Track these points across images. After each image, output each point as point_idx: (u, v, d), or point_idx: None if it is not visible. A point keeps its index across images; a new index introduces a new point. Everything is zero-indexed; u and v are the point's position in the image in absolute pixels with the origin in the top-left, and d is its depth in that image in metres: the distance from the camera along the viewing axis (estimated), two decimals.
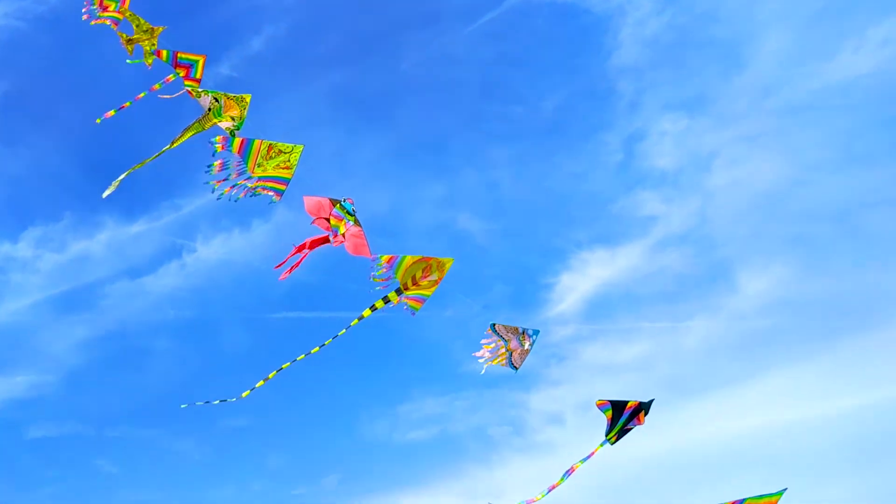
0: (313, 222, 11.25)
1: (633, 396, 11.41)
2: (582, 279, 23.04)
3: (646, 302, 23.21)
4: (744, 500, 10.57)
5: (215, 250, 24.46)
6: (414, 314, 11.36)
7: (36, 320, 24.44)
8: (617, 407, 11.39)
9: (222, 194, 10.86)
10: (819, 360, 20.81)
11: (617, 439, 11.44)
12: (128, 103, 10.36)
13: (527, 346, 11.74)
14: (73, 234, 24.40)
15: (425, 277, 11.32)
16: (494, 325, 11.82)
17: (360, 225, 11.07)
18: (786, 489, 10.57)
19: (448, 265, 11.35)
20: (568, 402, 22.59)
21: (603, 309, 23.34)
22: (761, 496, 10.58)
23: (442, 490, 22.89)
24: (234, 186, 10.89)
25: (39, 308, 24.45)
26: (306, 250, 11.35)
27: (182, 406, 11.92)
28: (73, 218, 24.48)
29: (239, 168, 10.84)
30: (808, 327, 21.31)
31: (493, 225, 24.45)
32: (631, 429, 11.43)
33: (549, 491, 11.33)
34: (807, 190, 22.71)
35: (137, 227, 24.41)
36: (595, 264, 23.21)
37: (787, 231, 22.82)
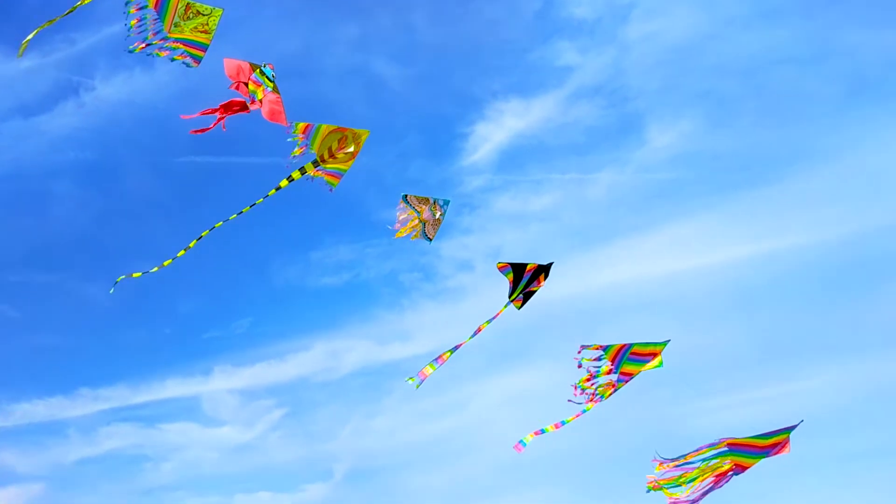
0: (231, 86, 11.09)
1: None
2: (496, 129, 23.49)
3: (557, 153, 23.92)
4: (631, 345, 11.69)
5: (116, 89, 23.38)
6: (332, 190, 11.50)
7: None
8: (517, 269, 12.13)
9: (135, 50, 10.53)
10: (717, 211, 22.35)
11: (522, 303, 12.26)
12: None
13: (438, 215, 12.08)
14: None
15: (341, 149, 11.42)
16: (406, 196, 12.09)
17: (278, 92, 11.00)
18: (669, 341, 11.66)
19: (364, 137, 11.48)
20: (478, 250, 23.53)
21: (515, 160, 23.93)
22: (647, 343, 11.68)
23: (354, 334, 23.87)
24: (148, 45, 10.62)
25: None
26: (219, 115, 11.24)
27: (111, 290, 11.93)
28: None
29: (155, 27, 10.56)
30: (709, 180, 22.69)
31: (408, 70, 24.31)
32: (535, 290, 12.26)
33: (456, 349, 12.01)
34: (719, 45, 23.38)
35: (27, 62, 22.77)
36: (510, 114, 23.61)
37: (698, 85, 23.69)
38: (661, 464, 10.95)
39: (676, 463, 10.87)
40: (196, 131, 11.24)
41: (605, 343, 11.59)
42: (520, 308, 12.27)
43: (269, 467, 23.36)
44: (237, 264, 24.77)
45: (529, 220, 23.20)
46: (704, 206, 22.46)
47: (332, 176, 11.56)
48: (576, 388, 11.57)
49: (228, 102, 11.17)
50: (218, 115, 11.19)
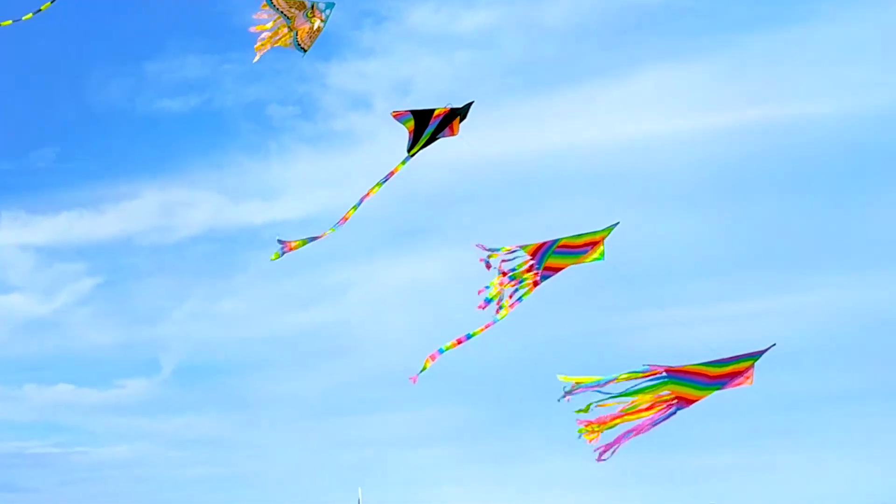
0: None
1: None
2: None
3: None
4: (556, 240, 9.20)
5: None
6: None
7: None
8: (420, 117, 9.29)
9: None
10: (717, 56, 17.76)
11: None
12: None
13: (317, 24, 9.68)
14: None
15: None
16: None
17: None
18: (618, 223, 9.38)
19: None
20: (380, 81, 19.01)
21: None
22: (582, 234, 9.11)
23: (199, 182, 19.56)
24: None
25: None
26: None
27: None
28: None
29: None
30: (712, 11, 17.82)
31: None
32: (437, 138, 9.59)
33: (340, 224, 9.99)
34: None
35: None
36: None
37: None
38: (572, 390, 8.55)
39: (594, 387, 8.45)
40: None
41: (517, 244, 8.92)
42: (412, 155, 9.57)
43: (74, 352, 19.22)
44: (39, 74, 19.35)
45: (456, 44, 18.14)
46: (700, 48, 17.71)
47: None
48: (484, 304, 9.02)
49: None
50: None
